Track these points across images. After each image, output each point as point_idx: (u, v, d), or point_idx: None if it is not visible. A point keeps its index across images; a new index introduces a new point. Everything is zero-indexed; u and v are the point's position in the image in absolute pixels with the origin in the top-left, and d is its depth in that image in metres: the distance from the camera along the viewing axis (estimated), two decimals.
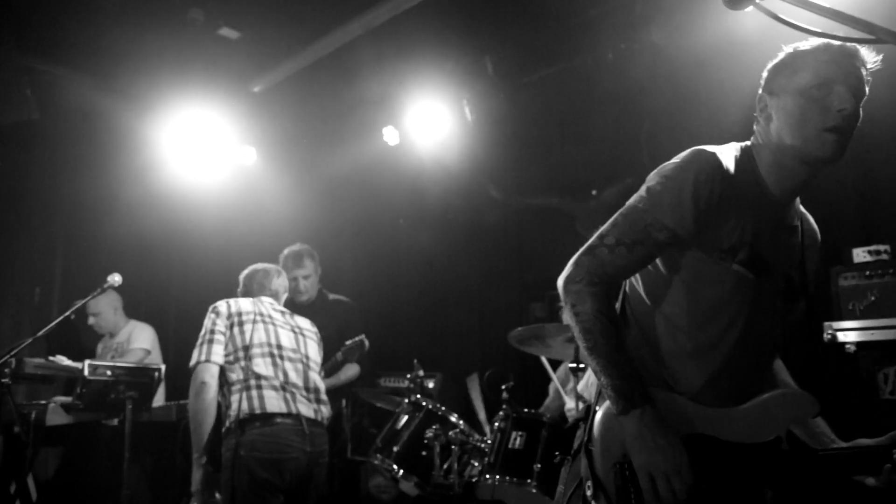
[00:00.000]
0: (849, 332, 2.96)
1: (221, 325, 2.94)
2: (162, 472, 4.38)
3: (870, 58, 1.49)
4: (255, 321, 2.98)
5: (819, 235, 1.73)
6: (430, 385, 4.41)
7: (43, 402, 3.85)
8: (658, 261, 1.55)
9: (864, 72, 1.48)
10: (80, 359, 3.77)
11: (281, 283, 3.33)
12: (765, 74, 1.58)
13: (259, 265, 3.34)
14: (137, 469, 3.97)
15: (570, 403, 3.86)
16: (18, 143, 4.85)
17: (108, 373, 3.59)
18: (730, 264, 1.47)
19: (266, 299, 3.19)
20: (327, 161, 5.38)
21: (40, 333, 3.07)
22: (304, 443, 2.81)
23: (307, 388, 2.96)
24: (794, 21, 1.10)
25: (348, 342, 3.73)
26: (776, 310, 1.56)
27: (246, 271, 3.32)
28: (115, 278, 3.40)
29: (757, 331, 1.54)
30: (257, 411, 2.75)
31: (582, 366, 2.97)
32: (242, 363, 2.86)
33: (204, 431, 2.76)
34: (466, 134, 4.74)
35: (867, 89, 1.49)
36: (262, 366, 2.87)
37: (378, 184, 5.33)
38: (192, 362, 2.87)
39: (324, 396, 3.03)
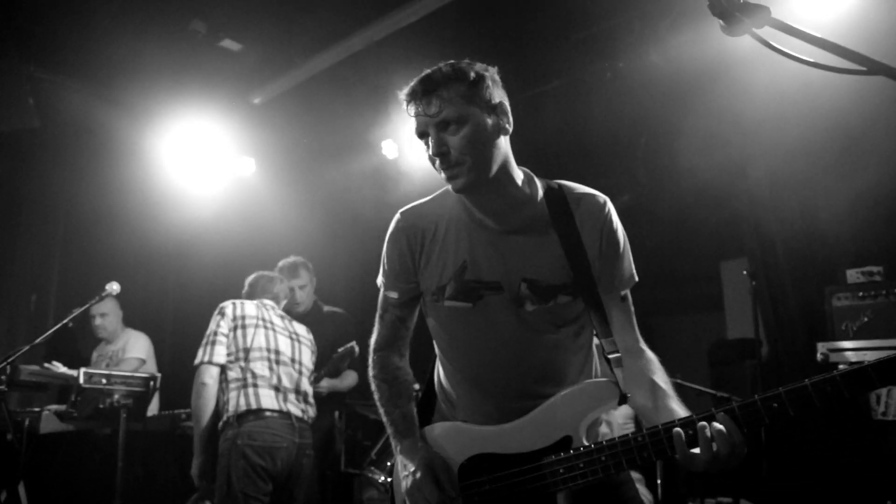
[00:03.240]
0: (842, 353, 2.98)
1: (225, 327, 3.19)
2: (155, 482, 4.36)
3: (436, 78, 1.48)
4: (257, 325, 3.24)
5: (594, 212, 1.61)
6: None
7: (37, 409, 3.83)
8: None
9: (436, 99, 1.46)
10: (74, 367, 3.77)
11: (282, 289, 3.62)
12: None
13: (263, 272, 3.62)
14: (131, 478, 3.95)
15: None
16: (18, 150, 4.87)
17: (104, 381, 3.59)
18: (442, 302, 1.62)
19: (268, 302, 3.45)
20: (326, 173, 5.41)
21: (38, 341, 3.08)
22: (294, 434, 3.10)
23: (297, 391, 3.23)
24: (786, 50, 1.13)
25: (339, 349, 3.79)
26: (523, 318, 1.56)
27: (251, 276, 3.59)
28: (114, 286, 3.43)
29: (502, 346, 1.57)
30: (253, 407, 3.03)
31: None
32: (242, 364, 3.12)
33: (203, 426, 3.06)
34: None
35: (445, 102, 1.46)
36: (259, 368, 3.13)
37: (376, 197, 5.35)
38: (196, 361, 3.13)
39: (311, 399, 3.32)
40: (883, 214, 3.44)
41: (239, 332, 3.18)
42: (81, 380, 3.52)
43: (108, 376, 3.62)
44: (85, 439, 3.94)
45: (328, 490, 4.31)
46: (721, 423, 1.27)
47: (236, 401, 3.05)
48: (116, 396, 3.61)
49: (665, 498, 3.16)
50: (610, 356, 1.53)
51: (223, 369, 3.13)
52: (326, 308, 4.27)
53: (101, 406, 3.58)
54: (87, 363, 4.49)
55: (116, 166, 5.15)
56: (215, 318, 3.23)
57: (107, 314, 4.53)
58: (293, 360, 3.28)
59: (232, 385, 3.10)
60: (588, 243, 1.56)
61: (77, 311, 3.36)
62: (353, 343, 3.85)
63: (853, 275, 3.17)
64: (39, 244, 5.19)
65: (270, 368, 3.16)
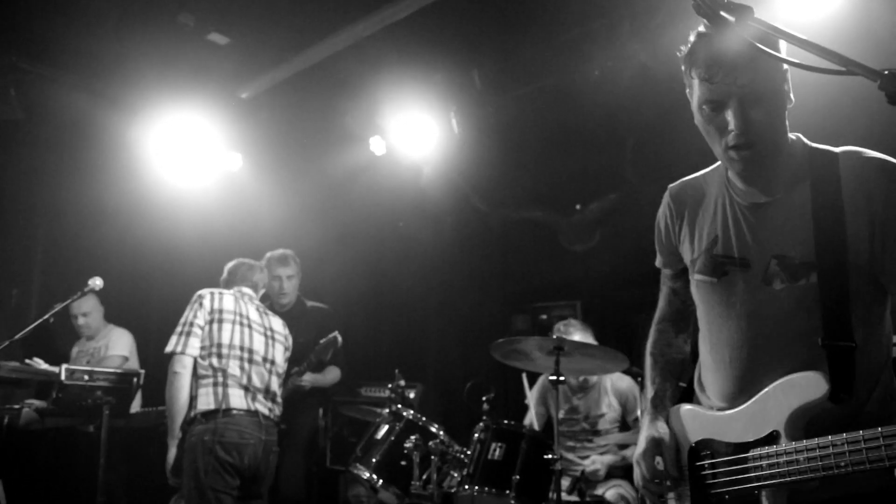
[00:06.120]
0: None
1: (202, 318, 3.19)
2: (138, 479, 4.33)
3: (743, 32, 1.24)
4: (234, 321, 3.25)
5: (865, 173, 1.39)
6: (411, 395, 4.41)
7: (16, 406, 3.79)
8: None
9: (744, 67, 1.34)
10: (54, 363, 3.73)
11: (261, 278, 3.62)
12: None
13: (244, 259, 3.63)
14: (113, 476, 3.92)
15: (530, 416, 3.81)
16: (0, 142, 4.80)
17: (86, 377, 3.56)
18: (693, 276, 1.60)
19: (247, 291, 3.47)
20: (313, 169, 5.39)
21: (19, 336, 3.05)
22: (261, 432, 3.14)
23: (266, 391, 3.25)
24: (768, 50, 1.13)
25: (322, 341, 3.77)
26: (769, 298, 1.45)
27: (231, 263, 3.60)
28: (97, 282, 3.41)
29: (747, 328, 1.49)
30: (222, 406, 3.06)
31: (562, 378, 2.99)
32: (214, 360, 3.14)
33: (177, 416, 3.07)
34: (453, 146, 4.78)
35: (755, 71, 1.34)
36: (231, 367, 3.15)
37: (363, 194, 5.34)
38: (169, 349, 3.13)
39: (279, 399, 3.36)
40: None
41: (215, 325, 3.19)
42: (63, 376, 3.49)
43: (90, 372, 3.60)
44: (66, 436, 3.90)
45: (314, 487, 4.30)
46: None
47: (206, 398, 3.07)
48: (99, 393, 3.58)
49: None
50: (828, 342, 1.37)
51: (194, 361, 3.14)
52: (310, 303, 4.26)
53: (83, 403, 3.55)
54: (66, 359, 4.44)
55: (102, 160, 5.10)
56: (192, 306, 3.23)
57: (89, 312, 4.47)
58: (265, 360, 3.29)
59: (202, 381, 3.12)
60: (853, 215, 1.36)
61: (58, 307, 3.34)
62: (336, 333, 3.84)
63: None
64: (21, 238, 5.13)
65: (242, 368, 3.17)
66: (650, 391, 1.71)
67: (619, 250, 4.99)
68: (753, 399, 1.45)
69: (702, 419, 1.58)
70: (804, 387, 1.37)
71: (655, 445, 1.60)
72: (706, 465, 1.51)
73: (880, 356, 1.45)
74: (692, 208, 1.63)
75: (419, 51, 4.42)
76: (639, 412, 3.35)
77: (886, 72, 1.00)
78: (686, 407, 1.64)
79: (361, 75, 4.65)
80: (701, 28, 1.45)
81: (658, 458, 1.58)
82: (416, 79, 4.63)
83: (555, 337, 3.08)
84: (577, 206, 4.87)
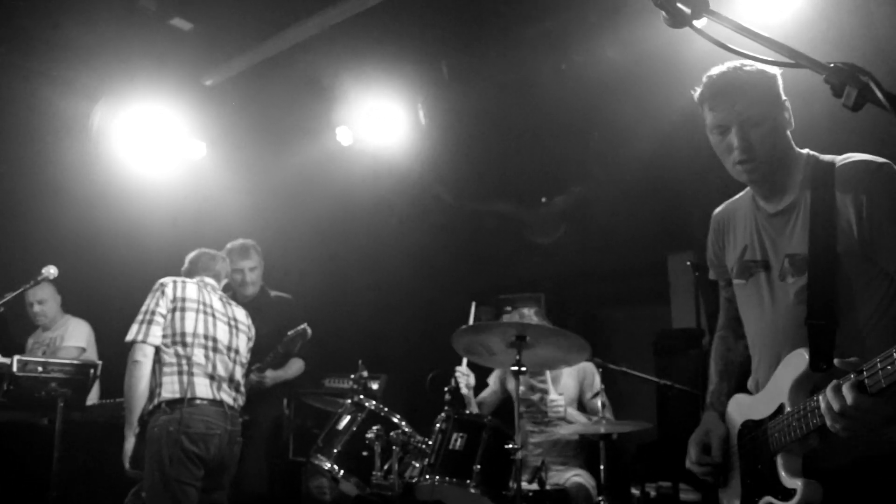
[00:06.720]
0: None
1: (164, 307, 3.14)
2: (96, 473, 4.24)
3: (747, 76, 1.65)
4: (197, 310, 3.21)
5: (855, 174, 1.60)
6: (374, 386, 4.41)
7: None
8: None
9: (742, 98, 1.65)
10: (6, 354, 3.62)
11: (223, 267, 3.57)
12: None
13: (206, 249, 3.58)
14: (71, 469, 3.83)
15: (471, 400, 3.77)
16: None
17: (39, 368, 3.47)
18: (733, 281, 1.88)
19: (209, 281, 3.41)
20: (278, 158, 5.32)
21: None
22: (226, 422, 3.12)
23: (230, 380, 3.24)
24: (722, 41, 1.15)
25: (290, 332, 3.74)
26: (785, 292, 1.70)
27: (193, 253, 3.54)
28: (51, 270, 3.33)
29: (770, 319, 1.74)
30: (187, 395, 3.01)
31: (524, 369, 3.01)
32: (179, 349, 3.09)
33: (136, 406, 3.01)
34: (420, 137, 4.77)
35: (751, 101, 1.64)
36: (196, 355, 3.11)
37: (329, 183, 5.30)
38: (129, 338, 3.07)
39: (242, 389, 3.34)
40: None
41: (178, 314, 3.14)
42: (14, 367, 3.40)
43: (44, 364, 3.51)
44: (19, 430, 3.80)
45: (276, 479, 4.27)
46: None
47: (171, 387, 3.02)
48: (54, 385, 3.49)
49: (608, 483, 3.23)
50: (809, 322, 1.60)
51: (157, 350, 3.08)
52: (273, 293, 4.22)
53: (37, 395, 3.46)
54: (20, 351, 4.32)
55: (59, 146, 4.95)
56: (154, 294, 3.18)
57: (45, 300, 4.37)
58: (229, 349, 3.27)
59: (166, 370, 3.06)
60: (842, 210, 1.59)
61: (10, 296, 3.24)
62: (305, 325, 3.81)
63: None
64: None
65: (207, 357, 3.14)
66: (708, 389, 1.96)
67: (583, 243, 5.05)
68: (770, 380, 1.70)
69: (743, 404, 1.82)
70: (793, 362, 1.61)
71: (704, 434, 1.85)
72: (745, 443, 1.75)
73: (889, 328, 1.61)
74: (729, 227, 1.91)
75: (387, 41, 4.39)
76: (596, 391, 3.43)
77: (832, 65, 1.03)
78: (735, 396, 1.89)
79: (328, 64, 4.60)
80: (711, 71, 1.74)
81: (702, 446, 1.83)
82: (383, 69, 4.59)
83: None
84: (543, 199, 4.91)
